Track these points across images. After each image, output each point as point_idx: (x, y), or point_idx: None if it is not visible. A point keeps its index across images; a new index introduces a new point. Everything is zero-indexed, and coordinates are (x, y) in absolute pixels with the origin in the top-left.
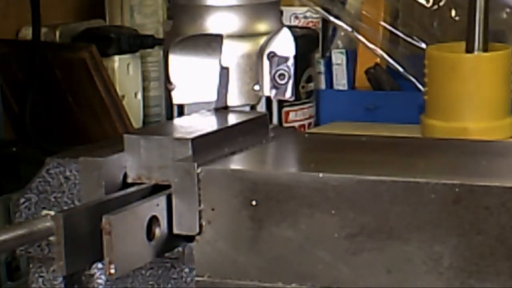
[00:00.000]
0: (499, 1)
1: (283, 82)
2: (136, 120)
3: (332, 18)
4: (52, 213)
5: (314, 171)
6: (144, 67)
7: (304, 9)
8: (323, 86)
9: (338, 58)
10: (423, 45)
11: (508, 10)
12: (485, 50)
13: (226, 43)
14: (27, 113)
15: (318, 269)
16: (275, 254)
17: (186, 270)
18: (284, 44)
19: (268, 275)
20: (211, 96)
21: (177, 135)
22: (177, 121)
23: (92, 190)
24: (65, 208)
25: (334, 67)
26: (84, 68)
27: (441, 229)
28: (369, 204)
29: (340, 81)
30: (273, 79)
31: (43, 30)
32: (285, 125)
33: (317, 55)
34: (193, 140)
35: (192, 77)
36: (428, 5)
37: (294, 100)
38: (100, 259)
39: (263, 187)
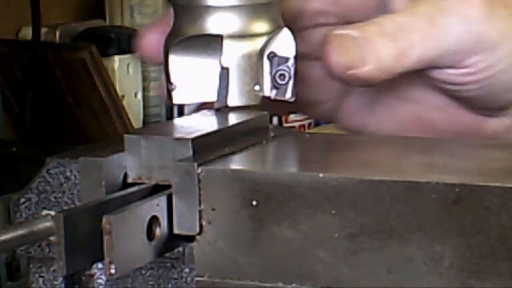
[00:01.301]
0: None
1: (283, 82)
2: (136, 120)
3: None
4: (52, 213)
5: (314, 171)
6: (144, 67)
7: None
8: None
9: None
10: None
11: None
12: None
13: (226, 43)
14: (27, 113)
15: (318, 269)
16: (275, 254)
17: (186, 270)
18: (285, 44)
19: (268, 275)
20: (211, 96)
21: (178, 135)
22: (177, 121)
23: (92, 190)
24: (65, 208)
25: None
26: (84, 68)
27: (441, 229)
28: (370, 204)
29: None
30: (273, 79)
31: (43, 30)
32: (285, 125)
33: None
34: (194, 140)
35: (192, 77)
36: None
37: (294, 101)
38: (100, 259)
39: (263, 187)
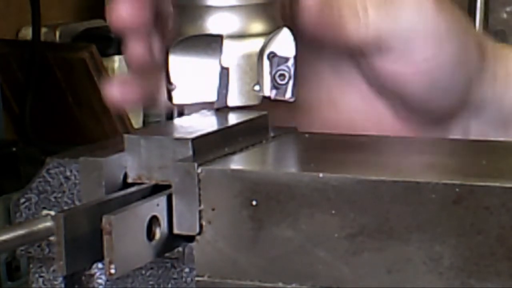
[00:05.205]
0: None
1: (283, 82)
2: (136, 120)
3: None
4: (52, 213)
5: (314, 171)
6: None
7: None
8: None
9: None
10: None
11: (508, 10)
12: None
13: (226, 43)
14: (27, 113)
15: (318, 269)
16: (275, 254)
17: (186, 270)
18: (284, 44)
19: (268, 275)
20: (211, 96)
21: (177, 135)
22: (177, 121)
23: (92, 190)
24: (65, 208)
25: None
26: (84, 68)
27: (441, 229)
28: (370, 204)
29: None
30: (273, 79)
31: (43, 30)
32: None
33: None
34: (194, 140)
35: (192, 77)
36: None
37: (294, 101)
38: (100, 259)
39: (263, 187)
